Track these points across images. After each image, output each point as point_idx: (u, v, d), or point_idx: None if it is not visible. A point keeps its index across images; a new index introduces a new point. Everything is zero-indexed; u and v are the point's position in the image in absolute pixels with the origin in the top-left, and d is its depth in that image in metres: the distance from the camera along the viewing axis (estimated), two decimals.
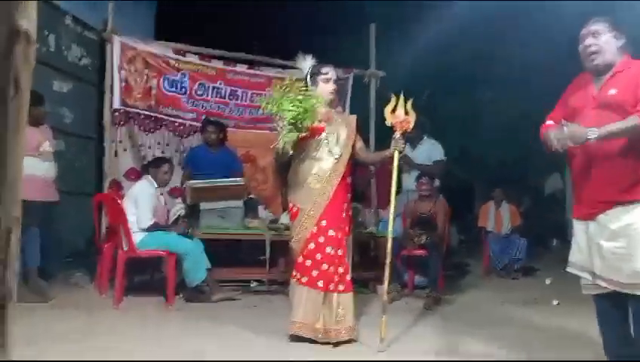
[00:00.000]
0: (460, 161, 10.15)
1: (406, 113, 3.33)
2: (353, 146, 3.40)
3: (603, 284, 2.57)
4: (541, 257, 8.54)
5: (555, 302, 5.07)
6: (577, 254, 2.70)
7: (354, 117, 3.57)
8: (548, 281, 6.48)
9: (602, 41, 2.58)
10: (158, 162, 4.75)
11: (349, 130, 3.39)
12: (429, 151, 5.64)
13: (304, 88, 3.10)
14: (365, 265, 5.26)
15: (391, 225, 3.40)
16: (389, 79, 6.19)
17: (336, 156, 3.29)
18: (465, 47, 8.89)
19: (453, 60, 9.22)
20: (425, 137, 5.67)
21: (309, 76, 3.39)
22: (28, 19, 0.83)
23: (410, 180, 5.64)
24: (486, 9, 6.73)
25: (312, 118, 3.07)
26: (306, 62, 3.45)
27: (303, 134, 3.08)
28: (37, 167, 4.15)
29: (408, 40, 7.57)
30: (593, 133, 2.40)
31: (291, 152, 3.16)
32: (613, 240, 2.50)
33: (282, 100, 3.02)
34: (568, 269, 2.77)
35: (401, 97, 3.35)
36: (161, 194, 4.72)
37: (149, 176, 4.61)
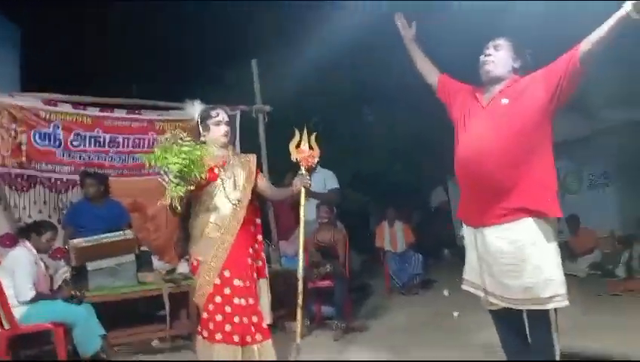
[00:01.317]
0: (352, 183, 10.38)
1: (310, 148, 3.34)
2: (255, 187, 3.29)
3: (494, 301, 2.67)
4: (436, 268, 8.93)
5: (455, 314, 5.28)
6: (469, 272, 2.79)
7: (252, 156, 3.44)
8: (446, 293, 6.77)
9: (500, 55, 2.71)
10: (39, 228, 4.29)
11: (247, 171, 3.28)
12: (324, 180, 5.70)
13: (187, 139, 2.96)
14: (271, 302, 5.13)
15: (301, 261, 3.36)
16: (277, 112, 6.21)
17: (234, 202, 3.16)
18: (349, 71, 9.17)
19: (337, 85, 9.46)
20: (318, 166, 5.72)
21: (199, 122, 3.28)
22: None
23: (307, 210, 5.65)
24: (370, 31, 6.99)
25: (199, 169, 2.92)
26: (195, 108, 3.34)
27: (192, 187, 2.93)
28: None
29: (291, 70, 7.66)
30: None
31: (179, 208, 2.96)
32: (501, 258, 2.57)
33: (166, 154, 2.85)
34: (463, 286, 2.85)
35: (305, 132, 3.36)
36: (41, 258, 4.29)
37: (27, 242, 4.19)
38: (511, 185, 2.54)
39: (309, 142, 3.36)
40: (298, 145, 3.35)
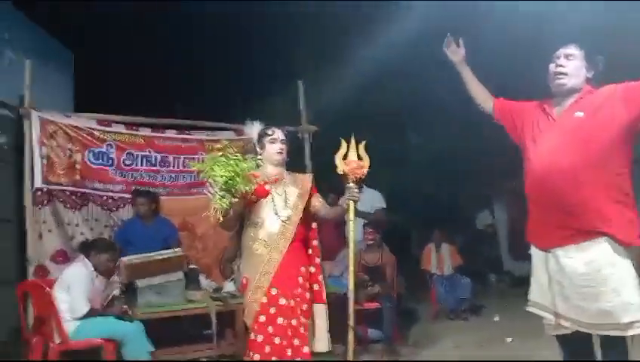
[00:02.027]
0: (392, 205, 10.25)
1: (359, 158, 3.14)
2: (308, 206, 3.24)
3: (567, 324, 2.52)
4: (482, 293, 8.67)
5: (508, 340, 5.09)
6: (537, 292, 2.64)
7: (308, 176, 3.40)
8: (496, 318, 6.55)
9: (573, 65, 2.59)
10: (100, 246, 4.33)
11: (300, 189, 3.23)
12: (371, 200, 5.63)
13: (235, 152, 2.96)
14: None
15: (351, 279, 3.25)
16: (323, 133, 6.21)
17: (284, 218, 3.11)
18: (394, 91, 9.12)
19: (382, 106, 9.41)
20: (364, 186, 5.67)
21: (256, 141, 3.28)
22: None
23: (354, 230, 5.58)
24: (411, 54, 6.96)
25: (245, 182, 2.88)
26: (254, 128, 3.35)
27: (236, 200, 2.91)
28: None
29: (337, 91, 7.67)
30: None
31: (221, 219, 2.91)
32: (577, 280, 2.44)
33: (213, 165, 2.85)
34: (529, 309, 2.70)
35: (352, 141, 3.17)
36: (97, 276, 4.34)
37: (86, 259, 4.26)
38: (586, 204, 2.44)
39: (357, 152, 3.15)
40: (345, 157, 3.15)
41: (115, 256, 4.38)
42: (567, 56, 2.61)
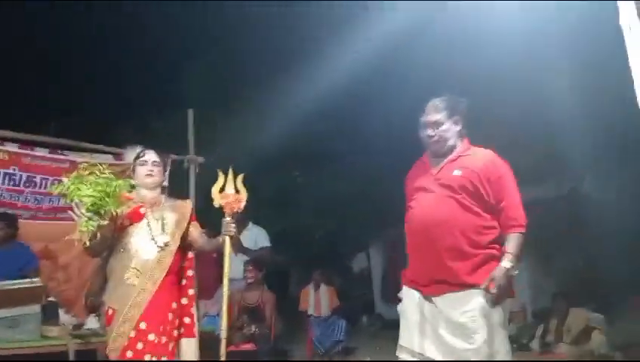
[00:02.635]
0: (274, 244, 10.18)
1: (236, 191, 3.07)
2: (186, 234, 3.08)
3: None
4: (355, 335, 8.79)
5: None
6: (406, 336, 2.72)
7: (188, 202, 3.24)
8: (368, 359, 6.65)
9: (442, 130, 2.74)
10: None
11: (179, 215, 3.07)
12: (255, 237, 5.54)
13: (106, 172, 2.76)
14: None
15: (225, 319, 3.09)
16: (211, 164, 6.04)
17: (161, 245, 2.92)
18: (282, 129, 9.17)
19: (268, 143, 9.40)
20: (250, 223, 5.56)
21: (131, 165, 3.14)
22: None
23: (235, 268, 5.42)
24: (316, 88, 7.05)
25: (115, 203, 2.69)
26: (134, 152, 3.17)
27: (105, 223, 2.70)
28: None
29: (227, 124, 7.57)
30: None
31: (87, 244, 2.69)
32: (452, 326, 2.57)
33: (80, 184, 2.63)
34: (398, 354, 2.76)
35: (230, 174, 3.10)
36: None
37: None
38: (459, 257, 2.60)
39: (234, 185, 3.09)
40: (222, 190, 3.08)
41: None
42: (434, 125, 2.76)
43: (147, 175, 3.06)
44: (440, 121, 2.74)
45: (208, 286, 5.83)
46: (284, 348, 7.53)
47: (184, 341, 3.05)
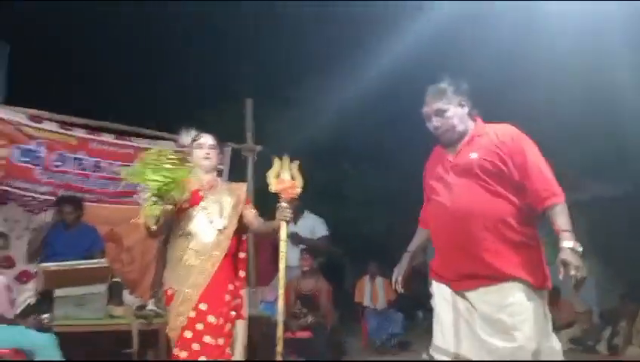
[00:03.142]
0: (331, 234, 10.19)
1: (292, 178, 3.04)
2: (242, 217, 3.10)
3: None
4: (411, 330, 8.68)
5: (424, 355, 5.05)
6: (440, 336, 2.52)
7: (243, 185, 3.28)
8: (425, 357, 6.52)
9: (449, 116, 2.52)
10: None
11: (235, 199, 3.10)
12: (312, 226, 5.53)
13: (172, 158, 2.80)
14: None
15: (281, 303, 3.09)
16: (268, 154, 6.09)
17: (219, 228, 2.97)
18: (341, 120, 9.17)
19: (319, 134, 9.41)
20: (306, 211, 5.56)
21: (189, 148, 3.17)
22: None
23: (291, 256, 5.44)
24: (365, 83, 7.02)
25: (180, 189, 2.75)
26: (189, 137, 3.22)
27: (169, 208, 2.75)
28: None
29: (283, 115, 7.63)
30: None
31: (152, 227, 2.78)
32: (488, 322, 2.37)
33: (146, 170, 2.70)
34: (432, 353, 2.56)
35: (286, 160, 3.09)
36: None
37: None
38: (491, 247, 2.39)
39: (290, 172, 3.07)
40: (278, 176, 3.05)
41: (4, 243, 4.02)
42: (437, 114, 2.55)
43: (204, 158, 3.11)
44: (443, 109, 2.53)
45: (265, 272, 5.89)
46: (339, 338, 7.54)
47: (237, 322, 3.08)
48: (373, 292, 7.44)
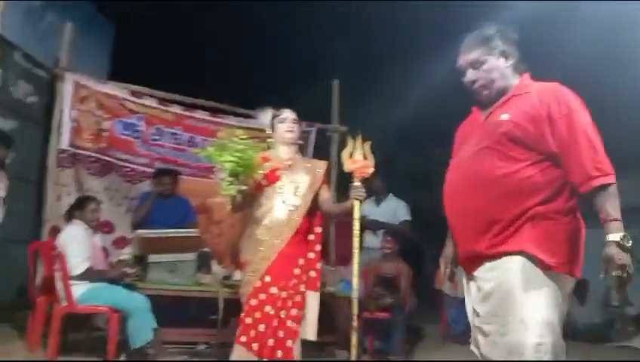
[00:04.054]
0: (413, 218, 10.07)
1: (364, 158, 3.02)
2: (317, 195, 3.15)
3: None
4: None
5: None
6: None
7: (323, 163, 3.29)
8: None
9: (487, 69, 2.13)
10: (82, 202, 4.33)
11: (312, 178, 3.15)
12: (395, 209, 5.50)
13: (244, 138, 2.86)
14: (321, 328, 4.92)
15: (356, 284, 3.12)
16: (355, 135, 6.12)
17: (291, 207, 3.04)
18: (434, 104, 9.02)
19: (405, 117, 9.29)
20: (390, 194, 5.54)
21: (270, 125, 3.25)
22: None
23: (373, 238, 5.45)
24: (452, 70, 6.86)
25: (252, 168, 2.82)
26: (267, 115, 3.30)
27: (244, 188, 2.83)
28: None
29: (371, 97, 7.60)
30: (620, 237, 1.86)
31: (229, 206, 2.91)
32: (485, 306, 2.03)
33: (221, 151, 2.77)
34: (472, 348, 2.23)
35: (359, 140, 3.07)
36: (92, 234, 4.27)
37: (74, 220, 4.20)
38: (501, 218, 2.01)
39: (363, 151, 3.04)
40: (352, 155, 3.04)
41: (97, 206, 4.32)
42: (472, 65, 2.16)
43: (288, 130, 3.18)
44: (480, 60, 2.13)
45: (347, 253, 5.92)
46: (418, 324, 7.48)
47: (308, 293, 3.13)
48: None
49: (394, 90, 7.79)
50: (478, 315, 2.08)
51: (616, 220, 1.89)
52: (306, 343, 3.10)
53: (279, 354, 2.88)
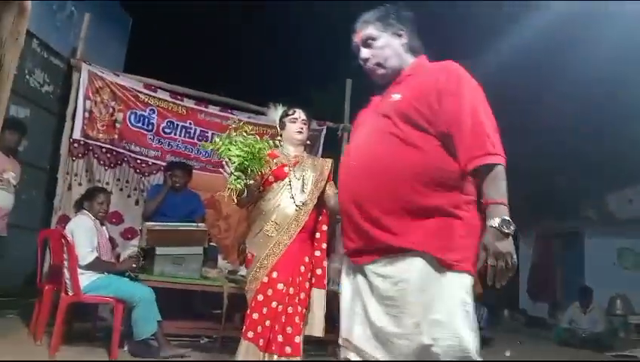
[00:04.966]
0: None
1: None
2: (322, 193, 3.15)
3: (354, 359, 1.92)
4: (494, 328, 8.44)
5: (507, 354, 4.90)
6: (344, 326, 2.00)
7: (328, 161, 3.29)
8: (507, 354, 6.35)
9: (379, 46, 2.01)
10: (91, 193, 4.35)
11: (319, 175, 3.16)
12: None
13: (252, 133, 2.85)
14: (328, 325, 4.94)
15: None
16: None
17: (299, 204, 3.05)
18: None
19: None
20: None
21: (279, 122, 3.26)
22: None
23: None
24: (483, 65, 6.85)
25: (259, 164, 2.79)
26: (277, 111, 3.31)
27: (251, 182, 2.83)
28: None
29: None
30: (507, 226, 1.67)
31: (235, 200, 2.84)
32: (382, 303, 1.85)
33: (229, 145, 2.75)
34: (343, 355, 2.02)
35: None
36: (100, 224, 4.30)
37: (83, 210, 4.25)
38: (393, 210, 1.83)
39: None
40: None
41: (106, 198, 4.33)
42: (365, 43, 2.03)
43: (298, 131, 3.19)
44: (372, 36, 2.01)
45: None
46: None
47: (314, 291, 3.15)
48: None
49: None
50: (367, 313, 1.89)
51: (496, 203, 1.70)
52: (309, 341, 3.12)
53: (288, 349, 2.90)
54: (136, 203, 5.26)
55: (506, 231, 1.66)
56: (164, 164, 5.36)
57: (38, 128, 5.55)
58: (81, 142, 5.04)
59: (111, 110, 5.24)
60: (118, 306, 3.91)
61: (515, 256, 1.68)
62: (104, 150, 5.21)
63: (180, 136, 5.59)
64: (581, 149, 9.08)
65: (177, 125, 5.56)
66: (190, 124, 5.61)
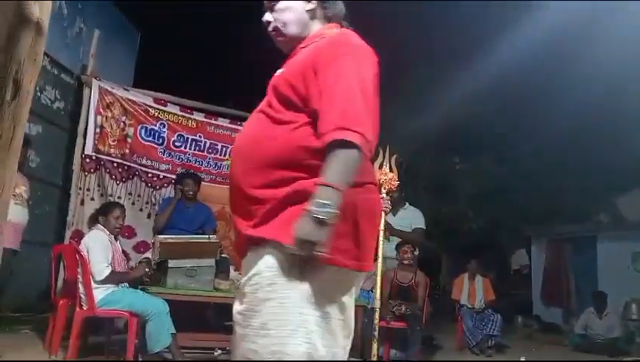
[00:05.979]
0: (429, 228, 10.04)
1: (390, 170, 3.14)
2: None
3: None
4: (508, 333, 8.37)
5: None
6: None
7: None
8: (523, 359, 6.30)
9: (280, 9, 1.75)
10: (107, 208, 4.39)
11: None
12: (411, 218, 5.49)
13: None
14: None
15: (378, 294, 3.15)
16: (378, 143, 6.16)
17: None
18: (447, 115, 9.03)
19: (428, 126, 9.28)
20: (407, 204, 5.55)
21: None
22: (41, 7, 0.63)
23: (387, 247, 5.45)
24: (476, 78, 6.89)
25: None
26: None
27: None
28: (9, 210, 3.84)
29: (396, 105, 7.63)
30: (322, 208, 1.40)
31: None
32: (237, 305, 1.61)
33: None
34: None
35: (387, 152, 3.17)
36: (114, 238, 4.32)
37: (98, 225, 4.28)
38: (253, 196, 1.58)
39: (390, 164, 3.16)
40: (381, 167, 3.15)
41: (121, 213, 4.34)
42: (270, 7, 1.78)
43: None
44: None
45: None
46: (433, 335, 7.44)
47: None
48: (471, 291, 7.25)
49: (417, 99, 7.82)
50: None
51: (325, 185, 1.42)
52: None
53: None
54: (148, 216, 5.30)
55: (321, 216, 1.39)
56: (174, 177, 5.40)
57: (49, 144, 5.62)
58: (93, 157, 5.10)
59: (122, 125, 5.30)
60: (132, 320, 3.93)
61: (322, 247, 1.42)
62: (115, 165, 5.26)
63: (190, 149, 5.64)
64: (593, 152, 9.05)
65: (187, 138, 5.61)
66: (200, 136, 5.66)
